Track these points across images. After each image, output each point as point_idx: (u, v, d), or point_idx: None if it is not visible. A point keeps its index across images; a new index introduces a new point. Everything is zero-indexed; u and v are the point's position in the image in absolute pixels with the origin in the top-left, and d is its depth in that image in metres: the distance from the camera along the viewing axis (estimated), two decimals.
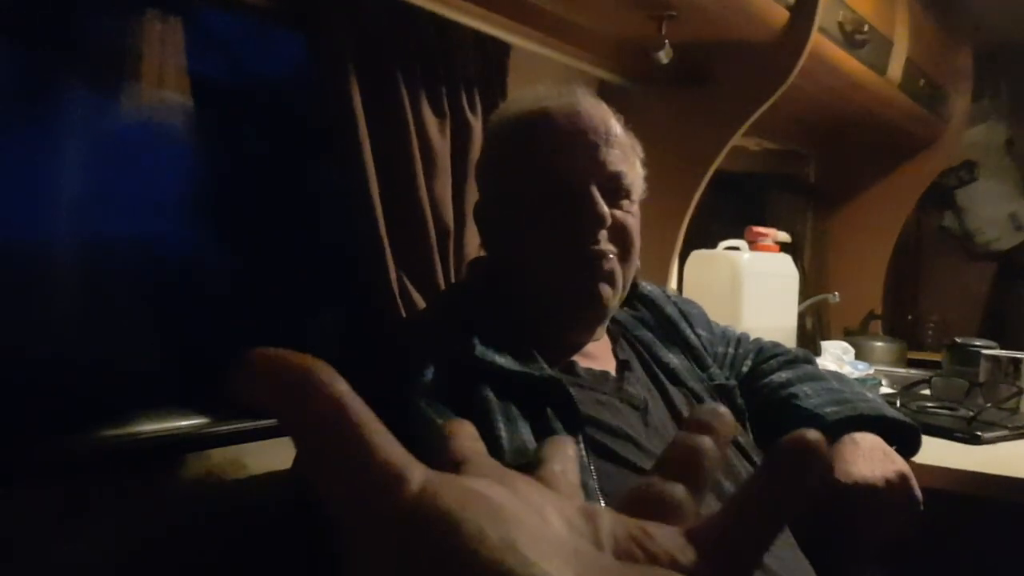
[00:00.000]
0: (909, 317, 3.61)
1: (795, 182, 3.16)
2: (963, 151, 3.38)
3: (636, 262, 1.10)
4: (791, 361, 1.31)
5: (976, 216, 3.58)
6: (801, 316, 2.62)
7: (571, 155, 1.04)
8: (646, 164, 1.14)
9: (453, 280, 1.49)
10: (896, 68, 2.41)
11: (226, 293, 1.43)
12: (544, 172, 1.04)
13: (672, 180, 1.83)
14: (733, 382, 1.22)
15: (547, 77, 1.87)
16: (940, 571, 1.22)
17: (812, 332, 2.86)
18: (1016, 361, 1.67)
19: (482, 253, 1.26)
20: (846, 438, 1.12)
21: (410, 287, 1.41)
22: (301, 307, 1.52)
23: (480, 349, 0.98)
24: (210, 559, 1.16)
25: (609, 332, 1.16)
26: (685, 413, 1.08)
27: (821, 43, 1.93)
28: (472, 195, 1.49)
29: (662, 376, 1.13)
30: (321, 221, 1.51)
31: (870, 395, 1.24)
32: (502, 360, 0.97)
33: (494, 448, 0.87)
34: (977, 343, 1.85)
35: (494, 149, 1.13)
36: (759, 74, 1.79)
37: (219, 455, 1.27)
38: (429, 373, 0.94)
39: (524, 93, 1.13)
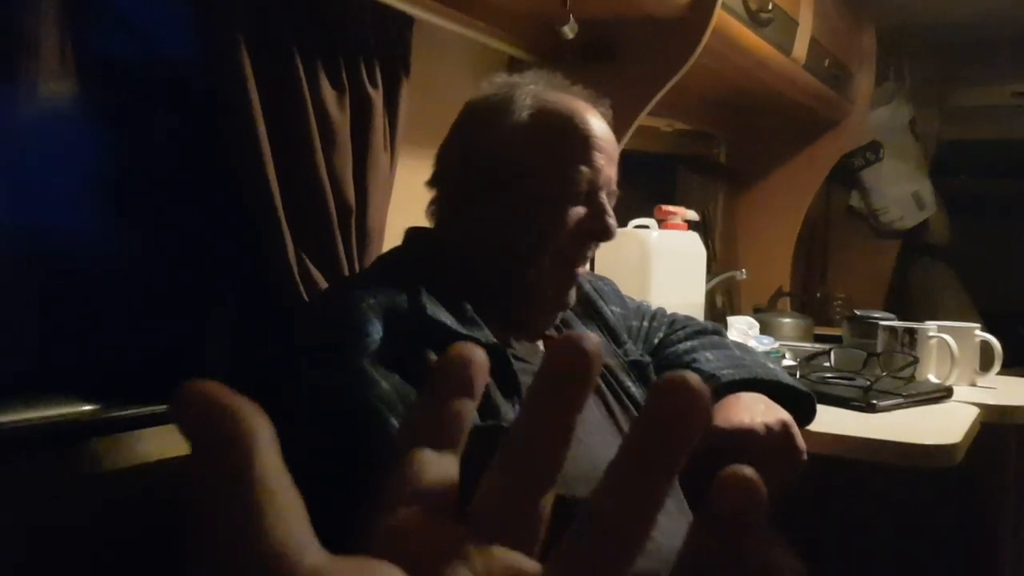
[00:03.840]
0: (817, 295, 3.71)
1: (706, 162, 3.20)
2: (868, 132, 3.47)
3: None
4: (699, 332, 1.35)
5: (881, 195, 3.69)
6: (711, 293, 2.66)
7: (598, 163, 1.09)
8: None
9: (356, 258, 1.46)
10: (801, 48, 2.45)
11: (115, 277, 1.37)
12: (573, 172, 1.08)
13: None
14: (647, 359, 1.24)
15: (454, 52, 1.85)
16: (834, 533, 1.25)
17: (722, 309, 2.91)
18: (911, 331, 1.72)
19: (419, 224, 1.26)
20: (730, 395, 1.15)
21: (310, 266, 1.38)
22: (196, 289, 1.46)
23: (431, 308, 0.99)
24: (99, 548, 1.12)
25: None
26: (597, 387, 1.09)
27: (726, 20, 1.94)
28: (374, 170, 1.46)
29: None
30: (215, 200, 1.46)
31: (770, 364, 1.26)
32: (450, 322, 0.99)
33: None
34: (875, 315, 1.90)
35: (514, 131, 1.12)
36: (664, 51, 1.80)
37: (109, 443, 1.23)
38: (376, 334, 0.95)
39: (549, 84, 1.16)
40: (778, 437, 1.10)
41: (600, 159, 1.09)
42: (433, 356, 0.94)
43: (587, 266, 1.13)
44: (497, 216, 1.11)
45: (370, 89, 1.44)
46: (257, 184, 1.29)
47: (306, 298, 1.36)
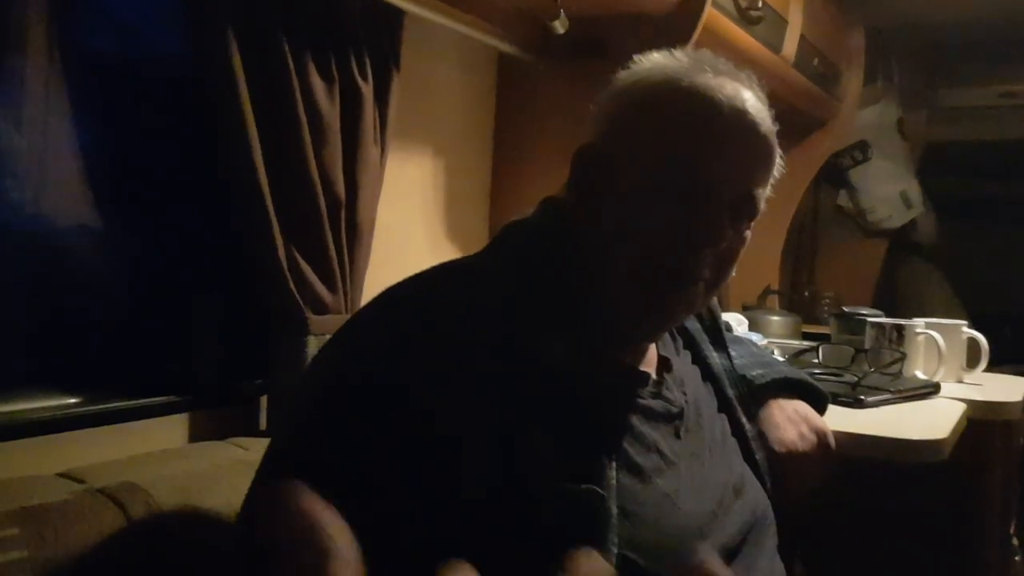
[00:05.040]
0: (806, 293, 3.72)
1: None
2: (857, 131, 3.48)
3: (721, 287, 0.97)
4: None
5: (869, 195, 3.71)
6: None
7: (718, 159, 0.89)
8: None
9: (346, 252, 1.45)
10: (791, 46, 2.46)
11: (103, 272, 1.37)
12: (694, 171, 0.88)
13: (569, 154, 1.82)
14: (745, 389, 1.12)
15: (445, 46, 1.85)
16: (821, 529, 1.25)
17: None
18: (899, 328, 1.73)
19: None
20: (773, 405, 1.13)
21: (300, 261, 1.37)
22: (184, 284, 1.46)
23: (548, 340, 0.85)
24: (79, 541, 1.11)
25: None
26: (718, 421, 1.02)
27: (716, 18, 1.95)
28: (364, 162, 1.46)
29: (701, 376, 1.06)
30: (204, 194, 1.45)
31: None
32: (562, 354, 0.85)
33: (526, 460, 0.79)
34: (863, 311, 1.91)
35: (638, 105, 0.93)
36: (654, 47, 1.79)
37: (96, 435, 1.22)
38: (478, 360, 0.82)
39: (689, 58, 0.95)
40: (821, 451, 1.10)
41: (716, 155, 0.89)
42: (527, 386, 0.82)
43: (705, 287, 0.92)
44: (603, 200, 0.93)
45: (360, 82, 1.44)
46: (246, 177, 1.29)
47: (295, 292, 1.36)
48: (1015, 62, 3.60)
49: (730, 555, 0.90)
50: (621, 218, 0.91)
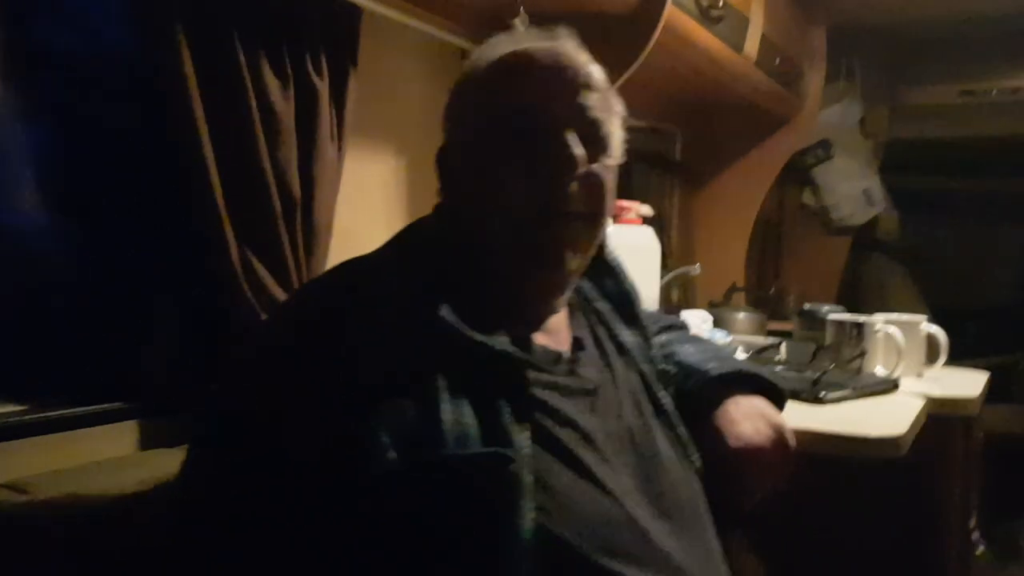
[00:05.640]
0: (771, 290, 3.74)
1: (662, 159, 3.21)
2: (819, 130, 3.51)
3: (606, 226, 1.01)
4: (669, 326, 1.33)
5: (832, 192, 3.74)
6: (666, 288, 2.67)
7: (547, 96, 0.93)
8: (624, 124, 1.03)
9: (302, 253, 1.43)
10: (752, 45, 2.47)
11: (51, 275, 1.33)
12: (516, 113, 0.93)
13: None
14: (672, 368, 1.15)
15: (405, 44, 1.84)
16: (781, 526, 1.25)
17: (678, 304, 2.92)
18: (859, 325, 1.73)
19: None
20: (729, 401, 1.12)
21: (254, 261, 1.35)
22: (135, 287, 1.43)
23: (447, 313, 0.87)
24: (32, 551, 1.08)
25: (568, 302, 1.06)
26: (635, 397, 1.03)
27: (677, 16, 1.95)
28: (320, 161, 1.44)
29: (614, 353, 1.06)
30: (154, 195, 1.42)
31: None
32: (465, 329, 0.87)
33: (430, 431, 0.80)
34: (824, 308, 1.91)
35: (465, 88, 1.01)
36: (616, 46, 1.80)
37: (44, 443, 1.19)
38: (379, 338, 0.85)
39: (503, 36, 1.02)
40: (779, 446, 1.09)
41: (544, 92, 0.94)
42: (436, 362, 0.84)
43: (584, 222, 0.96)
44: (461, 185, 0.99)
45: (316, 79, 1.42)
46: (197, 177, 1.26)
47: (250, 295, 1.33)
48: (974, 61, 3.65)
49: (654, 528, 0.90)
50: (482, 191, 0.95)
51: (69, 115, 1.33)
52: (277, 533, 0.80)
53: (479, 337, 0.88)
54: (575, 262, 0.98)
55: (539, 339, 0.98)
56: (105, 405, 1.27)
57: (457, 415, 0.83)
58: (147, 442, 1.32)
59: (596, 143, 0.96)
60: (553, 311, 1.03)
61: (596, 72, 0.99)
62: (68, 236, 1.35)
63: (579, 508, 0.85)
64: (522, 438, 0.84)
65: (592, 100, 0.96)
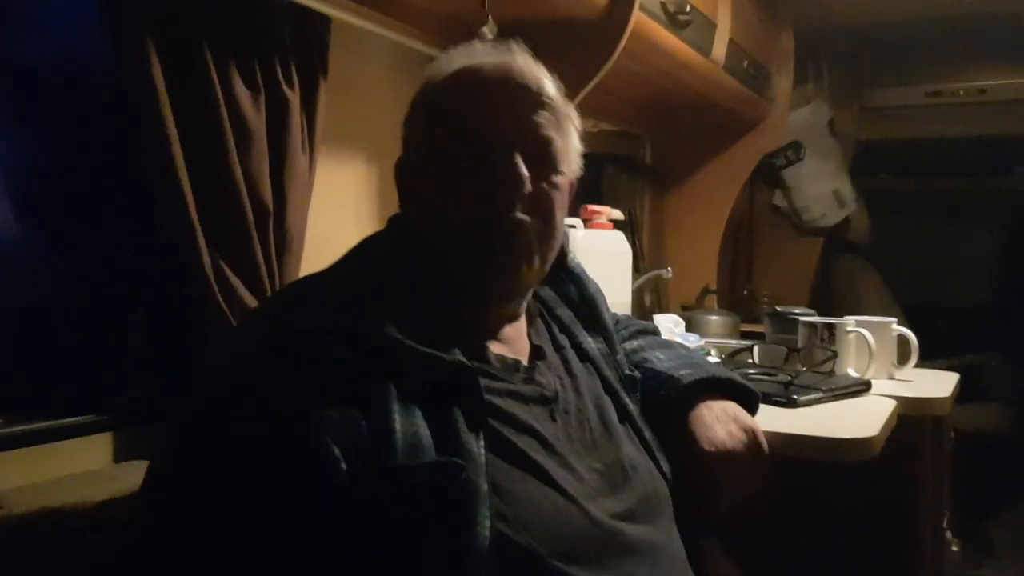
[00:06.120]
0: (744, 292, 3.77)
1: (632, 162, 3.23)
2: (789, 132, 3.54)
3: (559, 239, 1.03)
4: (641, 331, 1.35)
5: (803, 194, 3.77)
6: (639, 292, 2.68)
7: (496, 113, 0.96)
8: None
9: (275, 263, 1.42)
10: (720, 49, 2.49)
11: (20, 287, 1.32)
12: (465, 129, 0.96)
13: None
14: (637, 374, 1.17)
15: (375, 52, 1.83)
16: (755, 530, 1.26)
17: (651, 307, 2.93)
18: (830, 326, 1.75)
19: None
20: (701, 405, 1.13)
21: (227, 271, 1.34)
22: (108, 299, 1.41)
23: (389, 328, 0.88)
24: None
25: (527, 310, 1.08)
26: (599, 402, 1.04)
27: (644, 22, 1.96)
28: (292, 171, 1.43)
29: (576, 360, 1.08)
30: (126, 206, 1.41)
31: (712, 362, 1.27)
32: (411, 340, 0.88)
33: (383, 442, 0.80)
34: (796, 311, 1.93)
35: (419, 103, 1.03)
36: (584, 52, 1.80)
37: (12, 457, 1.17)
38: (328, 352, 0.84)
39: (460, 49, 1.04)
40: (752, 450, 1.10)
41: (493, 110, 0.96)
42: (386, 374, 0.84)
43: (537, 235, 0.97)
44: (417, 198, 1.01)
45: (286, 89, 1.41)
46: (169, 188, 1.25)
47: (223, 305, 1.32)
48: (939, 63, 3.70)
49: (618, 532, 0.91)
50: (432, 203, 0.97)
51: (38, 126, 1.31)
52: (236, 545, 0.79)
53: (427, 349, 0.88)
54: (529, 272, 0.99)
55: (495, 348, 1.00)
56: (78, 418, 1.26)
57: (408, 425, 0.83)
58: (121, 454, 1.31)
59: (545, 160, 0.97)
60: (510, 320, 1.04)
61: (550, 88, 1.00)
62: (37, 248, 1.33)
63: (538, 514, 0.86)
64: (477, 446, 0.85)
65: (543, 117, 0.98)
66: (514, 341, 1.03)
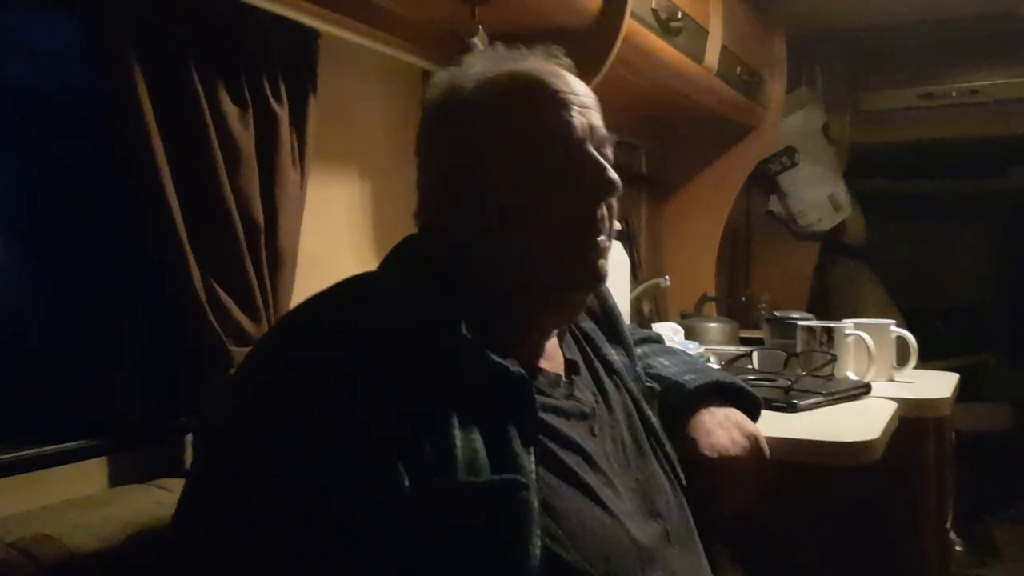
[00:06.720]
0: (743, 298, 3.76)
1: (628, 172, 3.22)
2: (783, 137, 3.54)
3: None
4: (645, 339, 1.34)
5: (799, 199, 3.77)
6: (637, 301, 2.68)
7: (567, 116, 0.93)
8: None
9: (268, 281, 1.41)
10: (713, 56, 2.48)
11: (9, 311, 1.31)
12: (546, 138, 0.92)
13: None
14: (656, 386, 1.14)
15: (364, 66, 1.83)
16: (759, 535, 1.25)
17: (649, 316, 2.92)
18: (829, 330, 1.74)
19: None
20: (704, 411, 1.13)
21: (219, 291, 1.33)
22: (98, 322, 1.40)
23: (465, 329, 0.85)
24: None
25: None
26: (629, 417, 1.03)
27: (636, 30, 1.96)
28: (283, 187, 1.43)
29: (603, 374, 1.06)
30: (119, 227, 1.40)
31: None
32: (483, 349, 0.85)
33: (444, 459, 0.78)
34: (794, 315, 1.92)
35: (469, 115, 0.95)
36: (576, 62, 1.79)
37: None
38: (394, 363, 0.80)
39: (478, 58, 1.00)
40: (754, 456, 1.09)
41: (570, 111, 0.93)
42: (447, 387, 0.82)
43: (611, 235, 0.96)
44: (480, 212, 0.94)
45: (275, 105, 1.41)
46: (158, 207, 1.24)
47: (215, 324, 1.31)
48: (932, 65, 3.71)
49: (654, 551, 0.90)
50: (524, 216, 0.92)
51: (26, 148, 1.31)
52: (295, 565, 0.75)
53: (496, 358, 0.86)
54: (607, 273, 0.97)
55: (540, 363, 0.97)
56: (72, 443, 1.24)
57: (468, 441, 0.80)
58: (117, 478, 1.29)
59: (608, 158, 0.96)
60: (554, 334, 1.02)
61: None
62: (27, 272, 1.32)
63: (586, 532, 0.84)
64: (529, 462, 0.83)
65: (598, 119, 0.97)
66: (552, 356, 1.01)
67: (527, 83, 0.94)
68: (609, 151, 0.97)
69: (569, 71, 0.99)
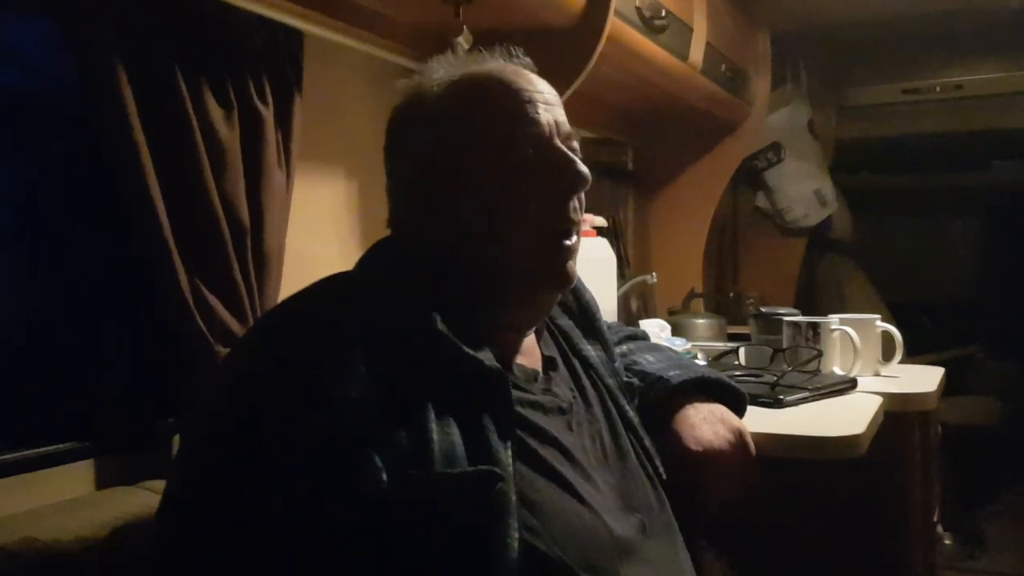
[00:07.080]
0: (730, 294, 3.77)
1: (614, 169, 3.23)
2: (769, 133, 3.56)
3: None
4: (630, 336, 1.35)
5: (785, 195, 3.79)
6: (624, 298, 2.68)
7: (533, 114, 0.94)
8: None
9: (254, 282, 1.41)
10: (697, 53, 2.49)
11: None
12: (526, 135, 0.94)
13: None
14: (636, 381, 1.16)
15: (349, 66, 1.83)
16: (746, 531, 1.26)
17: (637, 313, 2.93)
18: (815, 325, 1.75)
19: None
20: (688, 406, 1.13)
21: (205, 292, 1.33)
22: (84, 325, 1.40)
23: (440, 324, 0.86)
24: None
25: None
26: (606, 412, 1.04)
27: (620, 28, 1.96)
28: (268, 187, 1.42)
29: (580, 370, 1.07)
30: (104, 228, 1.39)
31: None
32: (459, 343, 0.86)
33: (421, 451, 0.79)
34: (780, 311, 1.93)
35: (434, 119, 0.97)
36: (560, 60, 1.80)
37: None
38: (371, 356, 0.81)
39: (440, 63, 1.02)
40: (739, 450, 1.10)
41: (535, 108, 0.94)
42: (423, 380, 0.83)
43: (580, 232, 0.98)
44: (452, 213, 0.95)
45: (260, 105, 1.41)
46: (143, 208, 1.24)
47: (202, 325, 1.31)
48: (915, 60, 3.73)
49: (632, 544, 0.91)
50: (498, 214, 0.94)
51: (9, 150, 1.30)
52: (274, 559, 0.76)
53: (470, 351, 0.87)
54: (575, 272, 0.99)
55: (516, 359, 0.99)
56: (59, 445, 1.24)
57: (445, 434, 0.81)
58: (103, 480, 1.29)
59: (575, 149, 0.98)
60: (530, 331, 1.03)
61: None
62: (12, 275, 1.32)
63: (565, 526, 0.85)
64: (506, 456, 0.83)
65: (562, 114, 0.99)
66: (529, 352, 1.03)
67: (490, 84, 0.97)
68: (576, 144, 0.98)
69: (529, 70, 1.01)
